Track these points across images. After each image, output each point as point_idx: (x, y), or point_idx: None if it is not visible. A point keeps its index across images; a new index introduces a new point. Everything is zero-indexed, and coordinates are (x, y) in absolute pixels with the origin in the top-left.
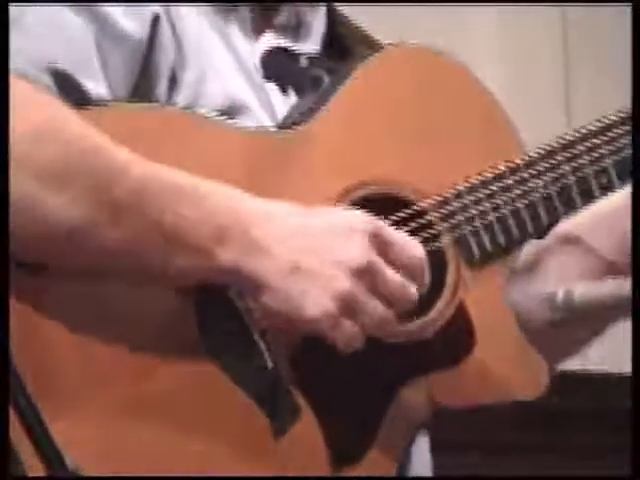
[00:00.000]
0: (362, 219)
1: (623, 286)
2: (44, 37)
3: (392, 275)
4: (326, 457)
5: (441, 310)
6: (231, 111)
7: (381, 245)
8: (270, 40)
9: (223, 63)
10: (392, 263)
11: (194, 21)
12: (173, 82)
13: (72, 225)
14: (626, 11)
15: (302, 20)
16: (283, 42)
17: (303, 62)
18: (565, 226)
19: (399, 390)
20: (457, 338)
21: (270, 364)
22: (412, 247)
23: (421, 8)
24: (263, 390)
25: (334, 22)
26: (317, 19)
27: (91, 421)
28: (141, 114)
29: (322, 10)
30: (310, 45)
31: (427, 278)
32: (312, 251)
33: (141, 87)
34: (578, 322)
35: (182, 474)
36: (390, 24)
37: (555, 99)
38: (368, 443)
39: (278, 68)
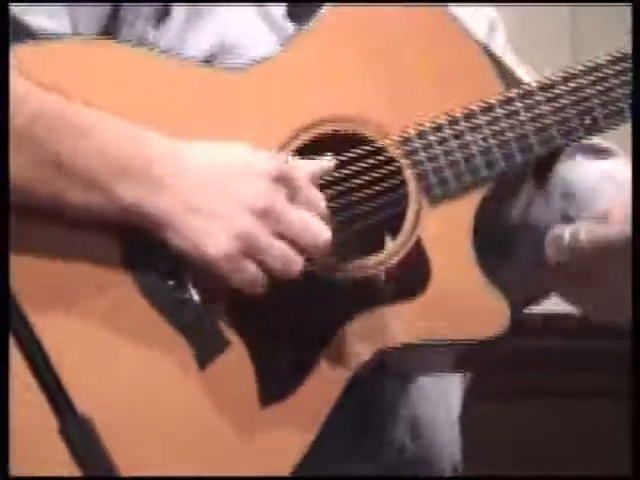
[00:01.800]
0: (269, 159)
1: (629, 230)
2: None
3: (297, 216)
4: (255, 391)
5: (399, 244)
6: (222, 53)
7: (289, 187)
8: None
9: (229, 7)
10: (301, 205)
11: None
12: (163, 17)
13: None
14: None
15: None
16: None
17: None
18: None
19: (343, 326)
20: (412, 274)
21: (195, 297)
22: (316, 195)
23: None
24: (188, 322)
25: None
26: None
27: None
28: (83, 48)
29: None
30: None
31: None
32: (215, 190)
33: (115, 25)
34: (580, 266)
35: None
36: None
37: None
38: (300, 379)
39: (307, 13)
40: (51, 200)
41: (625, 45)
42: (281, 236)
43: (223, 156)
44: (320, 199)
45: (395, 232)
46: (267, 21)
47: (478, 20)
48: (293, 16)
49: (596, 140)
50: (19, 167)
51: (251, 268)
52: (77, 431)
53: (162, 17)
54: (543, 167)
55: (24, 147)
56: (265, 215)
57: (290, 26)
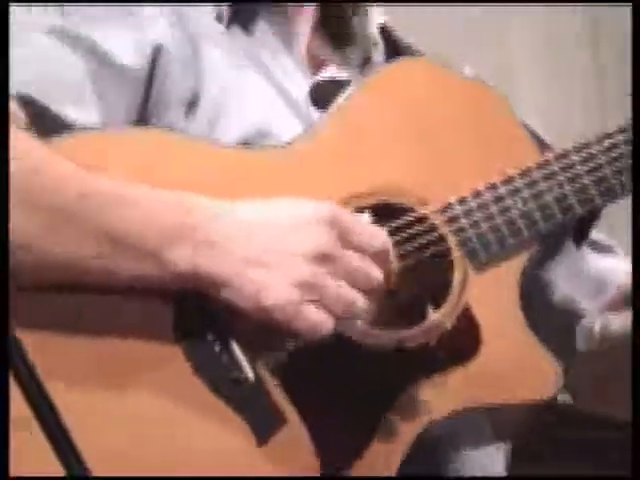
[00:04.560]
0: (319, 207)
1: None
2: (27, 64)
3: (352, 258)
4: (317, 464)
5: (448, 312)
6: (254, 139)
7: (341, 231)
8: (328, 72)
9: (253, 94)
10: (354, 248)
11: (216, 52)
12: (192, 107)
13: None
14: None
15: (370, 57)
16: (340, 75)
17: None
18: None
19: (399, 395)
20: (463, 339)
21: (250, 375)
22: (373, 232)
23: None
24: (243, 400)
25: (395, 49)
26: (377, 51)
27: None
28: (122, 136)
29: (380, 43)
30: None
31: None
32: (268, 242)
33: (144, 115)
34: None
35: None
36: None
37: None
38: (360, 450)
39: (330, 98)
40: (101, 274)
41: None
42: (338, 278)
43: (271, 209)
44: (374, 239)
45: (439, 300)
46: (292, 107)
47: None
48: (315, 101)
49: (598, 236)
50: (65, 245)
51: (313, 312)
52: None
53: (190, 107)
54: (582, 228)
55: (72, 225)
56: (322, 260)
57: (312, 111)
